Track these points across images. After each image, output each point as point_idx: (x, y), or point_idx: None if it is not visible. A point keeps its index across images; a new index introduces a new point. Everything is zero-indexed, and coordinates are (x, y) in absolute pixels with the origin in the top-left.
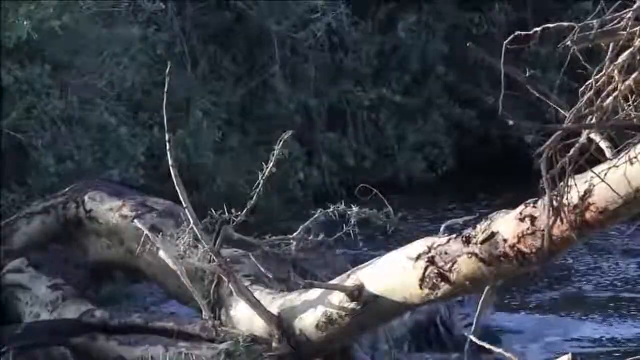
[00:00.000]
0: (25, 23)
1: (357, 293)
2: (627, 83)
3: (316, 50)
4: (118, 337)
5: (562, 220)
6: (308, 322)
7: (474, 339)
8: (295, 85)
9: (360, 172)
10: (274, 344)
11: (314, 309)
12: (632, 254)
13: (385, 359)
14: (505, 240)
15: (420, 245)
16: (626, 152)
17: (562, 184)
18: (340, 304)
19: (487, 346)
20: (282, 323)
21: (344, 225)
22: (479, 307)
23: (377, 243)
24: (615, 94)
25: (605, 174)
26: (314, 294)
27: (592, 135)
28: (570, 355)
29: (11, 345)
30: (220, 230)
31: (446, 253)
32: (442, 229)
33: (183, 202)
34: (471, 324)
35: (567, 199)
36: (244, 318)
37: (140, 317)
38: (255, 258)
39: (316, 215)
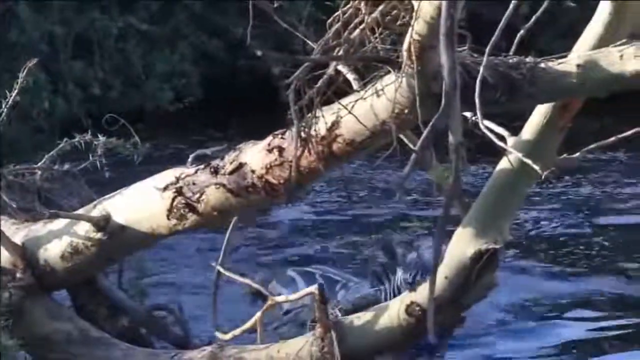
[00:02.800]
0: None
1: (103, 223)
2: (373, 15)
3: None
4: None
5: (309, 152)
6: (53, 252)
7: (222, 270)
8: (40, 12)
9: (106, 101)
10: (18, 275)
11: (59, 239)
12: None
13: (133, 288)
14: (253, 171)
15: (167, 176)
16: (373, 84)
17: (309, 115)
18: (86, 234)
19: (235, 277)
20: (26, 253)
21: (90, 155)
22: (226, 237)
23: (124, 174)
24: (362, 26)
25: (352, 106)
26: (59, 224)
27: (340, 67)
28: (317, 286)
29: None
30: None
31: (194, 183)
32: (190, 159)
33: None
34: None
35: (314, 130)
36: None
37: None
38: None
39: (61, 145)
